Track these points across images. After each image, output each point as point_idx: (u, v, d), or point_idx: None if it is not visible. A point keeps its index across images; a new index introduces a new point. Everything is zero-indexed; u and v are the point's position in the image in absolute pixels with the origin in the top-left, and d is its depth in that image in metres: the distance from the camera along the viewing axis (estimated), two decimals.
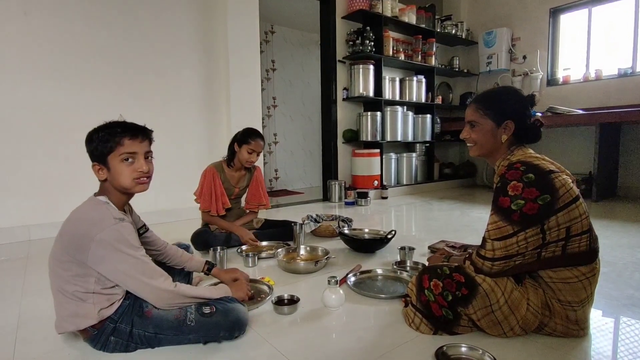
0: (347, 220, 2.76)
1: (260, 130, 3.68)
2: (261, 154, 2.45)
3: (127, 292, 1.21)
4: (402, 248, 2.02)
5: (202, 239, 2.29)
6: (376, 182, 4.39)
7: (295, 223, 2.47)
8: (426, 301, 1.26)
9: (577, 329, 1.22)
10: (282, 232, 2.52)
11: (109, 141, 1.15)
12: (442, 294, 1.22)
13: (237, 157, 2.38)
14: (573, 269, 1.16)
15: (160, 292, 1.15)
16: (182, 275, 1.60)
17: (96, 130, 1.19)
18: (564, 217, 1.13)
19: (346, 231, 2.46)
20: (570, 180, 1.19)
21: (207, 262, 1.59)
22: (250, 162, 2.35)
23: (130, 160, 1.18)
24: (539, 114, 4.20)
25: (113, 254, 1.10)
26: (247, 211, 2.58)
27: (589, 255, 1.17)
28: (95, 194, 1.24)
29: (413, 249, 2.03)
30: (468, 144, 1.38)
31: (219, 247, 1.99)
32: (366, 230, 2.57)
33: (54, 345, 1.27)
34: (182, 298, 1.19)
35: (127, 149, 1.16)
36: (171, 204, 3.33)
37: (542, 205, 1.12)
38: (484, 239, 1.22)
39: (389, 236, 2.22)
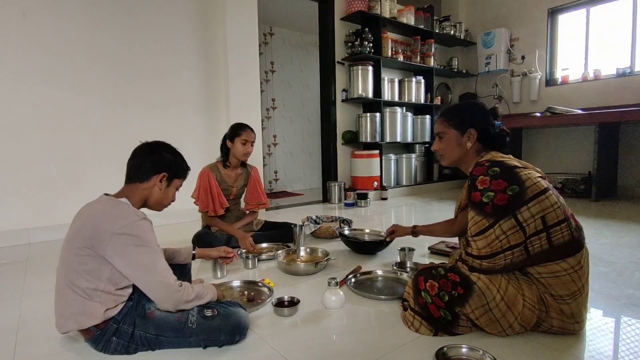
0: (347, 222, 2.76)
1: (260, 131, 3.71)
2: (257, 149, 2.46)
3: (131, 294, 1.22)
4: (402, 249, 2.03)
5: (203, 240, 2.29)
6: (376, 183, 4.39)
7: (295, 225, 2.47)
8: (424, 303, 1.27)
9: (573, 322, 1.23)
10: (282, 233, 2.52)
11: (183, 169, 1.38)
12: (439, 294, 1.23)
13: (231, 154, 2.40)
14: (561, 262, 1.18)
15: (171, 290, 1.17)
16: (181, 278, 1.60)
17: (175, 150, 1.37)
18: (536, 208, 1.16)
19: (347, 232, 2.45)
20: (536, 175, 1.24)
21: (194, 247, 1.63)
22: (247, 153, 2.39)
23: (177, 190, 1.41)
24: (538, 114, 4.21)
25: (133, 248, 1.13)
26: (247, 212, 2.59)
27: (574, 245, 1.18)
28: (112, 196, 1.26)
29: (413, 249, 2.04)
30: (439, 155, 1.48)
31: None
32: (367, 231, 2.55)
33: (53, 347, 1.27)
34: (187, 299, 1.20)
35: (182, 182, 1.41)
36: (171, 205, 3.33)
37: (511, 196, 1.16)
38: (467, 238, 1.25)
39: (387, 239, 2.19)
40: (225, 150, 2.43)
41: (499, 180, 1.19)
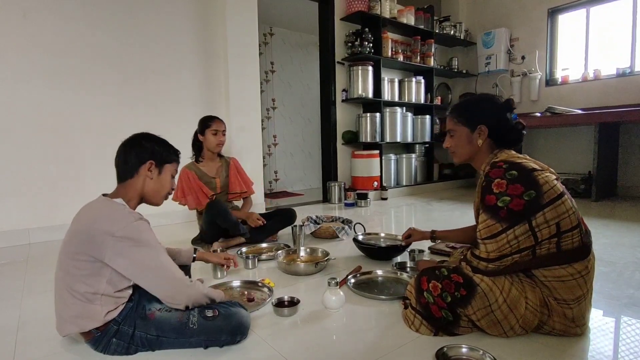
0: (347, 222, 2.76)
1: (260, 131, 3.71)
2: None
3: (131, 295, 1.22)
4: (412, 251, 2.02)
5: (217, 209, 2.30)
6: (376, 183, 4.39)
7: (290, 210, 2.58)
8: (425, 303, 1.26)
9: (574, 327, 1.22)
10: (278, 222, 2.57)
11: (171, 154, 1.34)
12: (441, 295, 1.23)
13: (205, 148, 2.45)
14: (568, 266, 1.17)
15: (181, 284, 1.17)
16: None
17: (156, 138, 1.33)
18: (552, 213, 1.14)
19: (360, 237, 2.28)
20: (553, 177, 1.21)
21: (195, 250, 1.63)
22: (219, 143, 2.43)
23: (173, 178, 1.37)
24: (538, 114, 4.20)
25: (133, 249, 1.12)
26: (233, 202, 2.66)
27: (582, 251, 1.17)
28: (108, 196, 1.25)
29: (423, 251, 2.04)
30: (450, 152, 1.45)
31: (218, 250, 2.00)
32: (382, 234, 2.42)
33: (54, 347, 1.27)
34: (198, 293, 1.21)
35: (176, 168, 1.37)
36: (169, 206, 3.34)
37: (527, 201, 1.13)
38: (476, 240, 1.23)
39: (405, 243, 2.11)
40: (197, 145, 2.48)
41: (516, 184, 1.15)
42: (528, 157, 1.29)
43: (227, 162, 2.58)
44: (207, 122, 2.41)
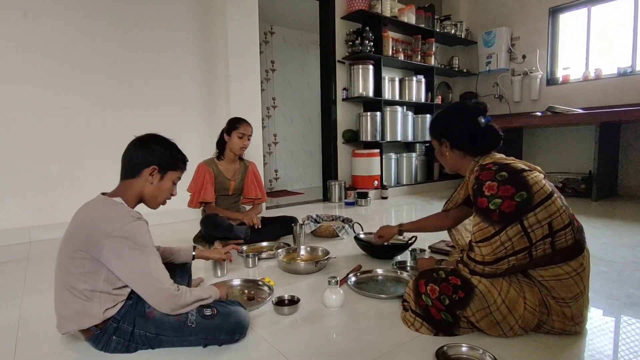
0: (348, 221, 2.76)
1: (260, 130, 3.71)
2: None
3: (130, 292, 1.22)
4: (413, 250, 2.02)
5: (210, 222, 2.30)
6: (376, 182, 4.39)
7: (292, 218, 2.53)
8: (424, 305, 1.27)
9: (573, 325, 1.23)
10: (278, 227, 2.56)
11: (177, 161, 1.33)
12: (439, 298, 1.23)
13: (228, 148, 2.45)
14: (564, 265, 1.17)
15: (167, 295, 1.15)
16: (181, 277, 1.60)
17: (167, 142, 1.33)
18: (543, 213, 1.14)
19: (362, 236, 2.30)
20: (542, 177, 1.22)
21: (194, 248, 1.61)
22: (243, 146, 2.42)
23: (175, 184, 1.35)
24: (539, 113, 4.20)
25: (128, 251, 1.12)
26: (243, 206, 2.66)
27: (576, 248, 1.17)
28: (107, 195, 1.24)
29: (424, 250, 2.04)
30: None
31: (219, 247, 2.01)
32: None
33: (54, 346, 1.27)
34: (184, 303, 1.18)
35: (179, 175, 1.37)
36: (171, 204, 3.34)
37: (519, 202, 1.14)
38: (471, 243, 1.24)
39: (410, 241, 2.12)
40: (222, 144, 2.47)
41: (507, 186, 1.16)
42: (515, 158, 1.31)
43: (246, 167, 2.59)
44: (235, 124, 2.41)
